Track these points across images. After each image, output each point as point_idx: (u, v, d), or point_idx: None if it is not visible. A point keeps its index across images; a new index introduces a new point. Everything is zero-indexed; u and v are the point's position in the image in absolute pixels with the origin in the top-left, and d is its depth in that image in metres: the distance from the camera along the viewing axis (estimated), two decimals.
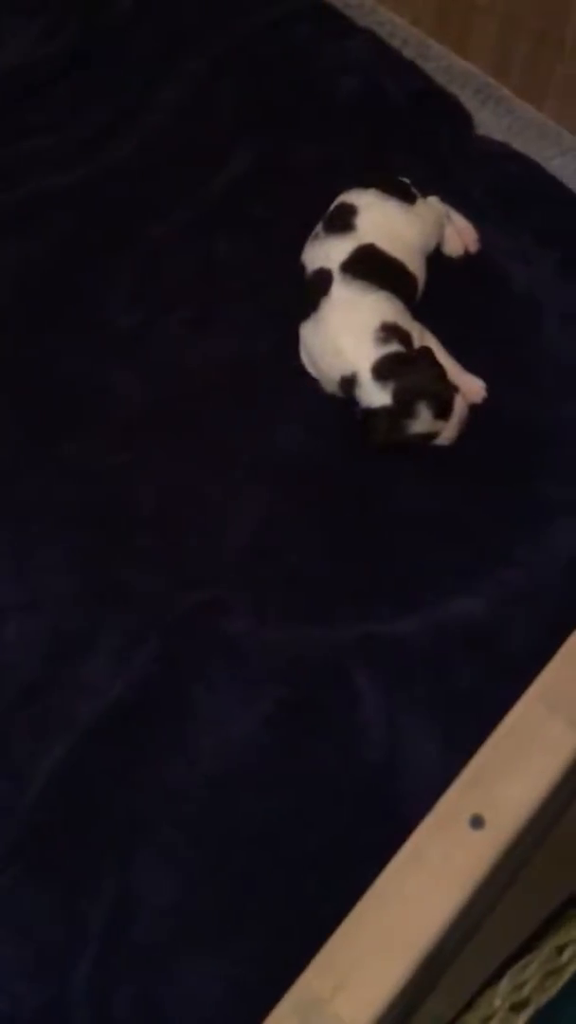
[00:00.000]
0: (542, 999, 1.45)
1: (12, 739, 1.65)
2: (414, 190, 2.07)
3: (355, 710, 1.68)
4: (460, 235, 2.12)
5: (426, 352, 1.88)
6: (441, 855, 1.04)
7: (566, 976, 1.44)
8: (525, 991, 1.42)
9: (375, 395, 1.85)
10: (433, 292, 2.04)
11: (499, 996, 1.41)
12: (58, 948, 1.52)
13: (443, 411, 1.85)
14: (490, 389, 1.96)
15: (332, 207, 2.03)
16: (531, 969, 1.42)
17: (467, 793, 1.08)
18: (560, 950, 1.45)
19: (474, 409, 1.92)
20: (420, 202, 2.07)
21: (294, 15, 2.41)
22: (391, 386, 1.84)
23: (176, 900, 1.54)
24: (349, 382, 1.87)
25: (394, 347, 1.86)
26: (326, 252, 1.97)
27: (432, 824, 1.06)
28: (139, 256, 2.11)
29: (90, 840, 1.59)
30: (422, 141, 2.26)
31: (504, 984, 1.41)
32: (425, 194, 2.09)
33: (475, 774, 1.09)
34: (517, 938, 1.48)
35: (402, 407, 1.83)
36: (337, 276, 1.93)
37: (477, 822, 1.05)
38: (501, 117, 2.36)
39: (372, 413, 1.85)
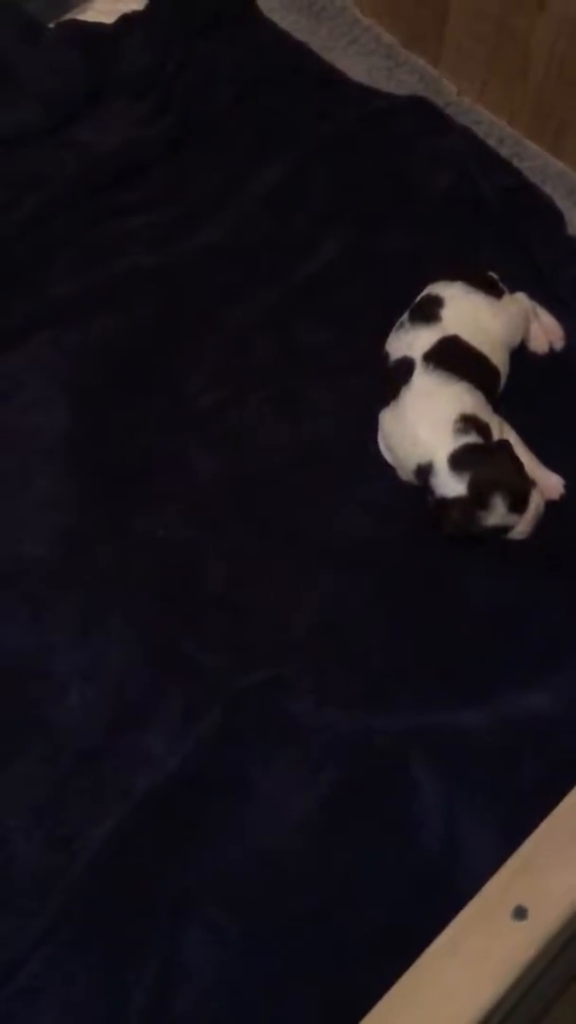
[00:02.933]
0: None
1: (67, 805, 1.65)
2: (501, 285, 2.09)
3: (412, 799, 1.65)
4: (546, 332, 2.13)
5: (504, 445, 1.88)
6: (480, 946, 1.01)
7: None
8: None
9: (450, 485, 1.84)
10: (516, 387, 2.04)
11: None
12: (98, 1021, 1.50)
13: (518, 504, 1.83)
14: (568, 485, 1.95)
15: (418, 298, 2.05)
16: None
17: (512, 882, 1.06)
18: None
19: (551, 505, 1.91)
20: (507, 297, 2.08)
21: (393, 110, 2.45)
22: (467, 476, 1.83)
23: (221, 977, 1.52)
24: (425, 470, 1.87)
25: (472, 438, 1.86)
26: (410, 341, 1.98)
27: (473, 913, 1.04)
28: (222, 336, 2.14)
29: (138, 913, 1.57)
30: (512, 237, 2.27)
31: None
32: (512, 290, 2.10)
33: (522, 863, 1.07)
34: None
35: (477, 498, 1.82)
36: (419, 365, 1.93)
37: (520, 913, 1.03)
38: None
39: (446, 503, 1.85)
